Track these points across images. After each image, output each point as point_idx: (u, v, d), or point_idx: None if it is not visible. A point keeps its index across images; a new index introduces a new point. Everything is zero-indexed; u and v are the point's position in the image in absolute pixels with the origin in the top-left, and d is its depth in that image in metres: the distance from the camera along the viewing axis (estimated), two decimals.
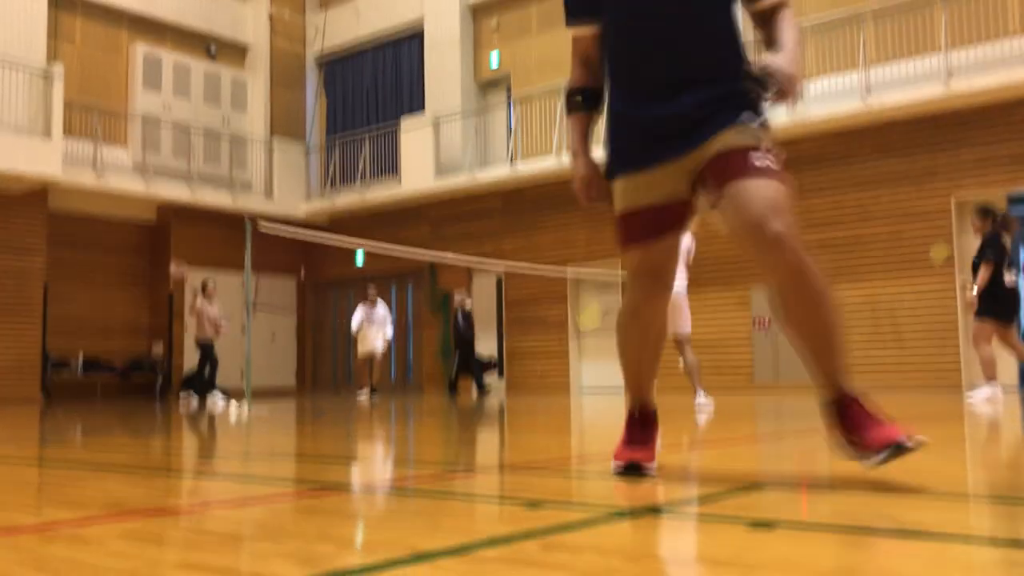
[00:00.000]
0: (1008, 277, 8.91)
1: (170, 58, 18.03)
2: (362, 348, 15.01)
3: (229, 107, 18.92)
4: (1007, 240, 9.03)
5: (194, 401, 13.53)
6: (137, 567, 1.77)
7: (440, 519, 2.37)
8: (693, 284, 14.32)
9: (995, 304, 8.85)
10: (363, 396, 14.54)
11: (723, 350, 14.15)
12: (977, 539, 1.98)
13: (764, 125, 2.72)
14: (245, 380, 10.10)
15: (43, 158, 14.69)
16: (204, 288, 14.33)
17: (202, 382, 14.21)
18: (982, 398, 8.53)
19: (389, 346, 15.37)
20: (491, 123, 17.72)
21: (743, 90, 2.67)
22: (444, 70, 18.08)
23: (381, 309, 15.13)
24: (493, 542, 1.96)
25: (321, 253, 19.56)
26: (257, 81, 19.52)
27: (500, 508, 2.67)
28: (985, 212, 9.04)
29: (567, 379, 15.89)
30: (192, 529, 2.27)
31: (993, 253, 8.86)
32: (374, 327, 14.94)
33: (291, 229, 10.79)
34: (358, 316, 14.96)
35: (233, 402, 12.74)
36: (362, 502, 2.79)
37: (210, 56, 19.01)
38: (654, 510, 2.42)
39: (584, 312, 12.99)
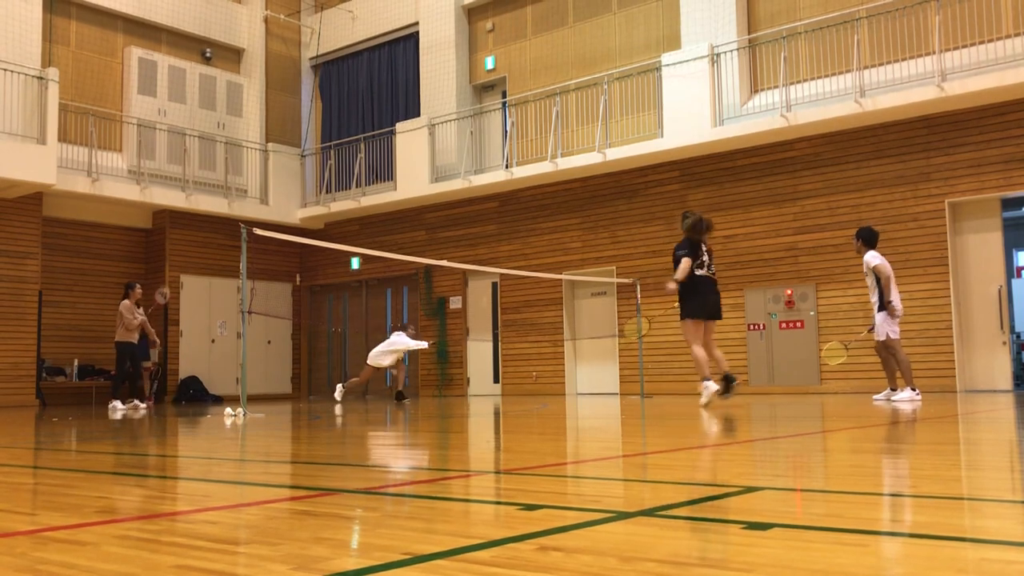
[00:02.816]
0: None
1: (165, 62, 18.02)
2: (381, 362, 14.56)
3: (224, 111, 18.90)
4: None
5: (142, 407, 13.39)
6: (132, 571, 1.77)
7: (435, 522, 2.37)
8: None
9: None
10: (339, 393, 14.61)
11: None
12: (971, 540, 1.99)
13: None
14: (241, 385, 10.07)
15: (38, 164, 14.65)
16: (130, 291, 13.86)
17: (120, 383, 13.84)
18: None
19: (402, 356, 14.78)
20: (487, 127, 17.73)
21: None
22: (439, 73, 18.09)
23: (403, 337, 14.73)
24: (488, 544, 1.96)
25: (317, 258, 19.57)
26: (252, 85, 19.50)
27: (496, 510, 2.67)
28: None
29: (562, 383, 15.89)
30: (187, 533, 2.27)
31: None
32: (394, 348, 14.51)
33: (287, 236, 10.78)
34: (395, 342, 14.49)
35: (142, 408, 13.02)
36: (357, 506, 2.79)
37: (205, 60, 19.00)
38: (649, 512, 2.43)
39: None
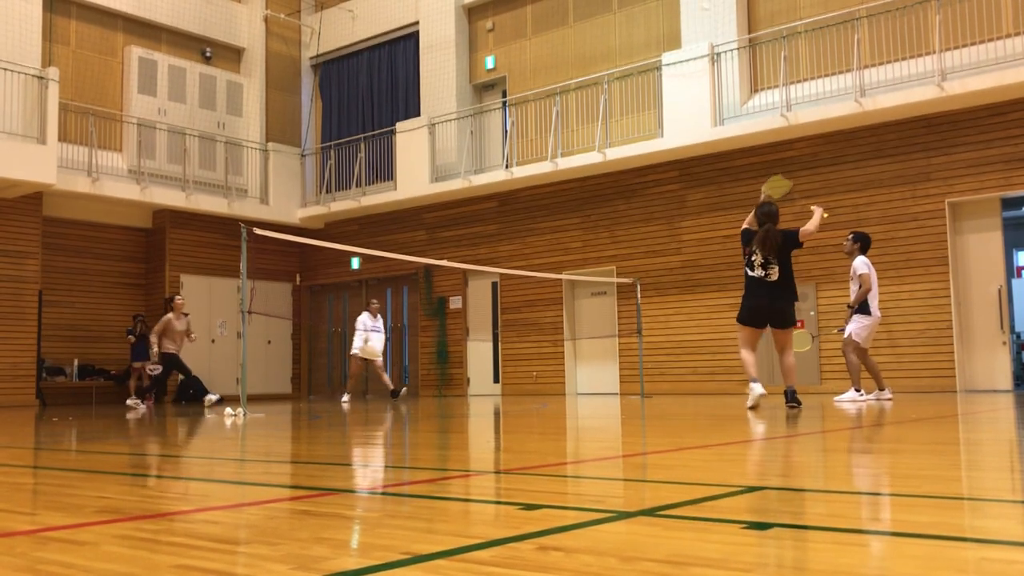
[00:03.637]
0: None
1: (165, 61, 18.00)
2: (365, 352, 15.13)
3: (224, 111, 18.89)
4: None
5: (142, 408, 13.45)
6: (131, 571, 1.77)
7: (436, 522, 2.37)
8: (688, 288, 14.44)
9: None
10: (347, 400, 15.00)
11: (718, 353, 14.16)
12: (971, 540, 1.99)
13: None
14: (241, 385, 10.07)
15: (38, 163, 14.64)
16: (170, 304, 14.00)
17: (193, 388, 14.30)
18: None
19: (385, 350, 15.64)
20: (487, 126, 17.72)
21: None
22: (439, 73, 18.09)
23: (379, 320, 15.39)
24: (488, 544, 1.96)
25: (317, 258, 19.57)
26: (252, 84, 19.49)
27: (496, 510, 2.67)
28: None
29: (562, 383, 15.89)
30: (186, 533, 2.27)
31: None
32: (376, 335, 15.15)
33: (286, 236, 10.76)
34: (366, 323, 15.12)
35: (229, 407, 12.79)
36: (357, 505, 2.79)
37: (205, 59, 18.99)
38: (649, 512, 2.42)
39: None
